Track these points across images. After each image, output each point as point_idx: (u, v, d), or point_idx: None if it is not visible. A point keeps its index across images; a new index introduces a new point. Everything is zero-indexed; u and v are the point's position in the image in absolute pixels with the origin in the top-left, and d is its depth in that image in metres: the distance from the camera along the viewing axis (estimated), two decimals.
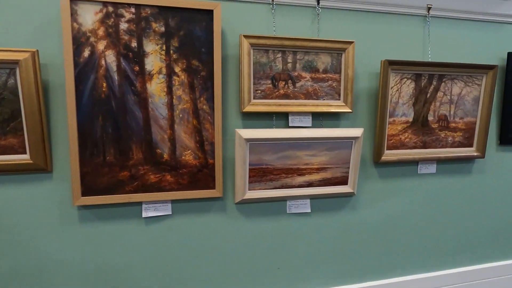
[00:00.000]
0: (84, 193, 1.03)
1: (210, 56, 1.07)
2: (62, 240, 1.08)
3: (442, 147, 1.37)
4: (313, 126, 1.23)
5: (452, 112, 1.35)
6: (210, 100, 1.09)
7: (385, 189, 1.35)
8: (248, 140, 1.10)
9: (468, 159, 1.43)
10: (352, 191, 1.25)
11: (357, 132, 1.20)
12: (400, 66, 1.23)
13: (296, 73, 1.18)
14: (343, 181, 1.25)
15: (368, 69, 1.28)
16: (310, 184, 1.22)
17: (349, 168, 1.23)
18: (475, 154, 1.40)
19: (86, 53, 0.98)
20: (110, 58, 1.00)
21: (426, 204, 1.41)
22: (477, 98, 1.37)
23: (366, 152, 1.31)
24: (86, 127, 1.01)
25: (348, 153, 1.22)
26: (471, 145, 1.40)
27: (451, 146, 1.38)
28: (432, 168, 1.39)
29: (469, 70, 1.32)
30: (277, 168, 1.17)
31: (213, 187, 1.13)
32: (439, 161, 1.39)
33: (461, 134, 1.38)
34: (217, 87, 1.09)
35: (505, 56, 1.42)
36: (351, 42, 1.18)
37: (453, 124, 1.36)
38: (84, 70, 0.99)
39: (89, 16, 0.97)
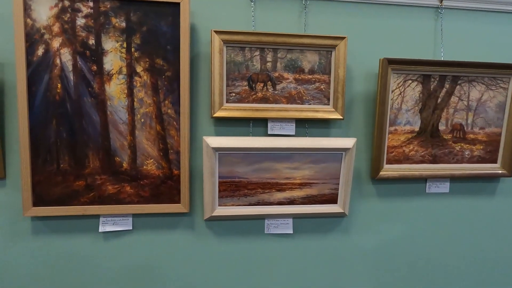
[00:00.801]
0: (36, 203, 0.97)
1: (177, 55, 0.98)
2: (12, 252, 1.03)
3: (457, 162, 1.17)
4: (297, 135, 1.09)
5: (469, 121, 1.15)
6: (176, 103, 0.99)
7: (384, 211, 1.18)
8: (216, 149, 0.98)
9: (491, 178, 1.21)
10: (342, 211, 1.09)
11: (348, 142, 1.04)
12: (403, 65, 1.07)
13: (276, 74, 1.05)
14: (332, 199, 1.09)
15: (366, 69, 1.13)
16: (291, 202, 1.07)
17: (338, 184, 1.08)
18: (500, 171, 1.18)
19: (40, 51, 0.93)
20: (66, 56, 0.94)
21: (436, 230, 1.22)
22: (503, 105, 1.16)
23: (362, 166, 1.15)
24: (39, 131, 0.95)
25: (338, 167, 1.07)
26: (494, 161, 1.19)
27: (469, 162, 1.17)
28: (445, 187, 1.19)
29: (491, 71, 1.12)
30: (252, 182, 1.04)
31: (178, 201, 1.02)
32: (453, 178, 1.19)
33: (481, 147, 1.17)
34: (184, 89, 0.99)
35: None
36: (342, 38, 1.04)
37: (471, 135, 1.16)
38: (38, 70, 0.93)
39: (44, 11, 0.92)
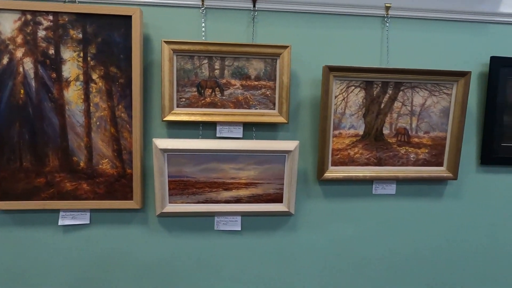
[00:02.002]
0: (1, 198, 1.08)
1: (129, 63, 1.10)
2: None
3: (402, 165, 1.24)
4: (245, 138, 1.19)
5: (414, 126, 1.22)
6: (129, 108, 1.11)
7: (331, 211, 1.27)
8: (164, 150, 1.09)
9: (438, 180, 1.28)
10: (287, 210, 1.18)
11: (290, 145, 1.13)
12: (345, 72, 1.15)
13: (224, 80, 1.15)
14: (277, 198, 1.18)
15: (313, 76, 1.22)
16: (238, 200, 1.17)
17: (283, 184, 1.16)
18: (445, 174, 1.25)
19: (5, 60, 1.06)
20: (28, 65, 1.06)
21: (383, 230, 1.31)
22: (447, 110, 1.22)
23: (308, 167, 1.25)
24: (3, 133, 1.08)
25: (282, 168, 1.16)
26: (440, 164, 1.25)
27: (415, 165, 1.24)
28: (391, 189, 1.26)
29: (434, 78, 1.19)
30: (200, 181, 1.14)
31: (131, 198, 1.14)
32: (400, 181, 1.26)
33: (427, 151, 1.24)
34: (135, 94, 1.10)
35: (488, 61, 1.25)
36: (286, 47, 1.13)
37: (416, 139, 1.23)
38: (3, 77, 1.06)
39: (8, 24, 1.05)
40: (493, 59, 1.28)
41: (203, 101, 1.18)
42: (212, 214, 1.22)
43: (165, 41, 1.12)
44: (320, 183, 1.27)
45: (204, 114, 1.17)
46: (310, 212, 1.27)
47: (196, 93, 1.18)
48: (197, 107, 1.18)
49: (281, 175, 1.19)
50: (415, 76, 1.20)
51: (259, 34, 1.22)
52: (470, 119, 1.31)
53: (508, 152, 1.33)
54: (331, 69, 1.17)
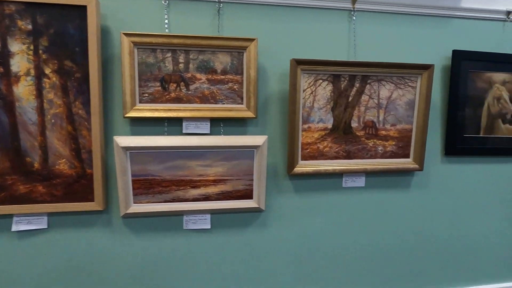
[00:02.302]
0: None
1: (86, 56, 1.03)
2: None
3: (370, 157, 1.26)
4: (213, 133, 1.16)
5: (381, 118, 1.24)
6: (87, 104, 1.05)
7: (302, 205, 1.27)
8: (126, 148, 1.04)
9: (405, 172, 1.31)
10: (257, 206, 1.17)
11: (259, 140, 1.12)
12: (312, 66, 1.15)
13: (189, 75, 1.11)
14: (247, 195, 1.17)
15: (281, 70, 1.22)
16: (207, 198, 1.14)
17: (253, 180, 1.14)
18: (412, 166, 1.28)
19: None
20: None
21: (352, 222, 1.33)
22: (412, 103, 1.25)
23: (278, 162, 1.24)
24: None
25: (250, 163, 1.14)
26: (407, 156, 1.29)
27: (383, 157, 1.27)
28: (361, 182, 1.28)
29: (399, 71, 1.21)
30: (166, 179, 1.10)
31: (92, 199, 1.08)
32: (369, 173, 1.28)
33: (394, 143, 1.26)
34: (94, 90, 1.04)
35: (450, 55, 1.29)
36: (252, 40, 1.11)
37: (383, 132, 1.25)
38: None
39: None
40: (455, 52, 1.33)
41: (167, 96, 1.14)
42: (180, 213, 1.18)
43: (124, 33, 1.07)
44: (290, 178, 1.27)
45: (169, 110, 1.13)
46: (281, 207, 1.27)
47: (159, 88, 1.13)
48: (161, 102, 1.14)
49: (250, 171, 1.18)
50: (381, 69, 1.22)
51: (225, 27, 1.19)
52: (434, 112, 1.35)
53: (470, 143, 1.39)
54: (298, 62, 1.17)
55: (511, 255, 1.49)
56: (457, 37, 1.35)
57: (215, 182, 1.16)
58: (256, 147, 1.14)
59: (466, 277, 1.46)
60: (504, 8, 1.39)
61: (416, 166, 1.31)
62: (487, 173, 1.41)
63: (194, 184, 1.15)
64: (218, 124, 1.19)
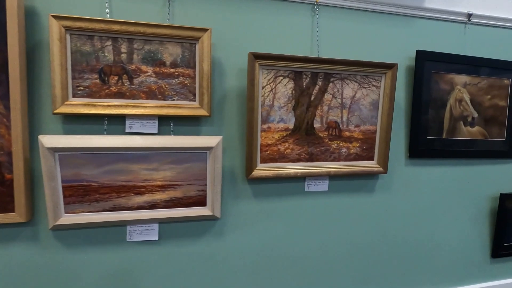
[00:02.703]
0: None
1: (4, 42, 0.87)
2: None
3: (334, 160, 1.20)
4: (162, 133, 1.04)
5: (344, 119, 1.19)
6: (6, 97, 0.90)
7: (262, 211, 1.19)
8: (54, 149, 0.90)
9: (369, 175, 1.27)
10: (211, 213, 1.06)
11: (212, 141, 1.02)
12: (271, 61, 1.07)
13: (133, 66, 0.99)
14: (200, 201, 1.06)
15: (239, 64, 1.13)
16: (154, 205, 1.03)
17: (206, 185, 1.04)
18: (376, 169, 1.24)
19: None
20: None
21: (315, 228, 1.26)
22: (376, 103, 1.21)
23: (236, 165, 1.15)
24: None
25: (203, 167, 1.04)
26: (371, 158, 1.24)
27: (346, 159, 1.22)
28: (324, 185, 1.22)
29: (363, 69, 1.17)
30: (104, 185, 0.97)
31: (13, 210, 0.92)
32: (332, 177, 1.23)
33: (358, 145, 1.22)
34: (14, 81, 0.90)
35: (414, 55, 1.27)
36: (205, 30, 1.01)
37: (347, 133, 1.20)
38: None
39: None
40: (419, 53, 1.31)
41: (107, 91, 1.01)
42: (123, 223, 1.05)
43: (53, 16, 0.93)
44: (249, 182, 1.17)
45: (109, 106, 1.00)
46: (239, 214, 1.17)
47: (98, 80, 0.99)
48: (100, 97, 1.00)
49: (203, 175, 1.07)
50: (345, 67, 1.16)
51: (176, 16, 1.08)
52: (398, 113, 1.32)
53: (433, 145, 1.38)
54: (256, 56, 1.08)
55: (474, 256, 1.51)
56: (420, 37, 1.34)
57: (163, 187, 1.05)
58: (209, 148, 1.04)
59: (431, 279, 1.44)
60: (465, 10, 1.40)
61: (380, 169, 1.27)
62: (449, 175, 1.40)
63: (138, 190, 1.03)
64: (167, 123, 1.08)
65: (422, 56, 1.31)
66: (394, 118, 1.30)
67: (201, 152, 1.04)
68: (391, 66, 1.21)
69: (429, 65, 1.32)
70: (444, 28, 1.37)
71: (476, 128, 1.43)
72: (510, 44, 1.47)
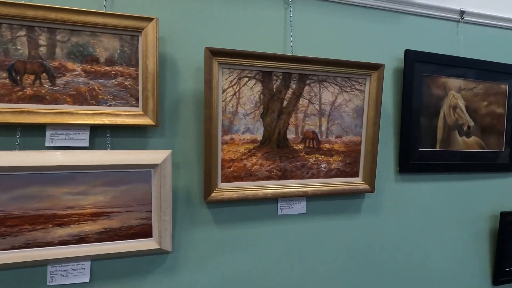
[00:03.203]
0: None
1: None
2: None
3: (312, 177, 1.03)
4: (97, 147, 0.84)
5: (324, 128, 1.02)
6: None
7: (224, 241, 0.99)
8: None
9: (354, 194, 1.10)
10: (158, 247, 0.86)
11: (157, 156, 0.82)
12: (233, 58, 0.89)
13: (56, 63, 0.80)
14: (144, 232, 0.86)
15: (197, 63, 0.93)
16: (82, 239, 0.82)
17: (151, 212, 0.85)
18: (362, 187, 1.07)
19: None
20: None
21: (291, 259, 1.06)
22: (360, 110, 1.05)
23: (194, 186, 0.95)
24: None
25: (147, 189, 0.84)
26: (355, 174, 1.07)
27: (327, 176, 1.04)
28: (300, 207, 1.04)
29: (344, 70, 1.00)
30: (13, 215, 0.76)
31: None
32: (310, 197, 1.05)
33: (339, 159, 1.05)
34: None
35: (402, 56, 1.13)
36: (150, 19, 0.83)
37: (327, 145, 1.03)
38: None
39: None
40: (408, 53, 1.14)
41: (20, 93, 0.79)
42: (42, 263, 0.81)
43: None
44: (209, 206, 0.97)
45: (23, 113, 0.78)
46: (196, 245, 0.96)
47: (7, 80, 0.78)
48: (10, 101, 0.78)
49: (147, 199, 0.86)
50: (322, 67, 0.98)
51: (117, 4, 0.90)
52: (386, 121, 1.15)
53: (425, 158, 1.20)
54: (214, 52, 0.89)
55: (473, 284, 1.32)
56: (410, 35, 1.18)
57: (94, 216, 0.83)
58: (154, 166, 0.84)
59: None
60: (458, 7, 1.27)
61: (367, 186, 1.09)
62: (444, 192, 1.23)
63: (61, 221, 0.81)
64: (104, 134, 0.89)
65: (412, 57, 1.15)
66: (381, 127, 1.14)
67: (144, 171, 0.85)
68: (376, 67, 1.04)
69: (419, 67, 1.17)
70: (435, 26, 1.22)
71: (472, 138, 1.28)
72: (506, 45, 1.34)
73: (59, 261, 0.82)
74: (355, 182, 1.08)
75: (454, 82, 1.23)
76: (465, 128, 1.26)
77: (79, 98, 0.83)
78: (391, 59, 1.16)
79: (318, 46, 1.06)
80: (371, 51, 1.13)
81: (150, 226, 0.87)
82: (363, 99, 1.06)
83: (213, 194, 0.93)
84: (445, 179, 1.24)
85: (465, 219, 1.29)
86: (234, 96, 0.94)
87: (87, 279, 0.85)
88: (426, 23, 1.21)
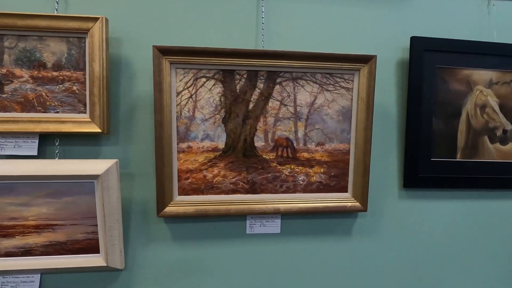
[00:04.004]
0: None
1: None
2: None
3: (287, 191, 0.88)
4: (47, 156, 0.81)
5: (300, 134, 0.87)
6: None
7: (184, 261, 0.88)
8: None
9: (342, 213, 0.91)
10: (105, 264, 0.80)
11: (99, 166, 0.76)
12: (187, 57, 0.79)
13: (4, 70, 0.78)
14: (91, 247, 0.80)
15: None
16: (28, 252, 0.79)
17: (98, 226, 0.79)
18: (349, 204, 0.88)
19: None
20: None
21: (261, 285, 0.91)
22: (348, 112, 0.88)
23: (150, 198, 0.86)
24: None
25: (93, 201, 0.78)
26: (343, 189, 0.90)
27: (306, 191, 0.88)
28: (273, 226, 0.89)
29: (323, 65, 0.84)
30: None
31: None
32: (286, 214, 0.90)
33: (322, 170, 0.88)
34: None
35: (408, 45, 0.92)
36: (95, 19, 0.77)
37: (305, 154, 0.87)
38: None
39: None
40: (415, 40, 0.94)
41: None
42: None
43: None
44: (167, 221, 0.88)
45: None
46: (153, 264, 0.87)
47: None
48: None
49: (93, 213, 0.80)
50: (296, 62, 0.83)
51: (71, 5, 0.87)
52: (389, 126, 0.94)
53: (440, 171, 0.95)
54: (163, 51, 0.79)
55: None
56: (418, 19, 0.95)
57: (39, 228, 0.80)
58: (95, 177, 0.80)
59: None
60: None
61: (357, 204, 0.90)
62: (467, 214, 0.98)
63: (5, 232, 0.78)
64: (51, 143, 0.85)
65: (419, 45, 0.92)
66: (382, 133, 0.95)
67: (87, 182, 0.80)
68: (366, 59, 0.85)
69: (430, 57, 0.94)
70: (454, 6, 0.99)
71: (510, 146, 1.02)
72: None
73: (7, 272, 0.82)
74: (342, 199, 0.91)
75: (482, 75, 0.97)
76: (498, 132, 0.99)
77: (27, 105, 0.81)
78: (395, 50, 0.95)
79: (300, 40, 0.90)
80: (368, 42, 0.93)
81: (97, 241, 0.81)
82: (351, 99, 0.89)
83: (167, 208, 0.84)
84: (469, 197, 0.98)
85: (496, 250, 1.01)
86: (190, 99, 0.84)
87: None
88: (440, 2, 0.98)
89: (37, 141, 0.82)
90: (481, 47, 0.97)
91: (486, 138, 0.99)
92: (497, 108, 0.99)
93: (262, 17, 0.89)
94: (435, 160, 0.96)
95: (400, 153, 0.96)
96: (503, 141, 1.00)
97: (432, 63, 0.95)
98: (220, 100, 0.85)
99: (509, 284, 1.02)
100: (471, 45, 0.96)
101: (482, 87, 0.97)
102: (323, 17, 0.92)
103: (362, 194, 0.90)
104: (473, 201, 0.98)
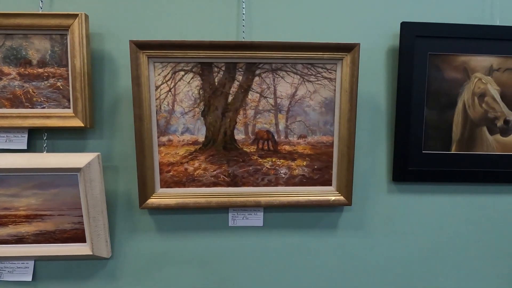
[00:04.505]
0: None
1: None
2: None
3: (269, 184, 0.87)
4: (37, 149, 0.85)
5: (281, 127, 0.85)
6: None
7: (168, 253, 0.91)
8: None
9: (327, 207, 0.89)
10: (91, 253, 0.83)
11: (81, 159, 0.79)
12: (164, 50, 0.79)
13: None
14: (78, 237, 0.84)
15: None
16: (20, 240, 0.83)
17: (82, 216, 0.82)
18: (333, 197, 0.86)
19: None
20: None
21: (244, 277, 0.91)
22: (330, 103, 0.85)
23: (134, 191, 0.87)
24: None
25: (77, 193, 0.81)
26: (327, 183, 0.87)
27: (288, 184, 0.87)
28: (256, 219, 0.89)
29: (303, 55, 0.81)
30: None
31: None
32: (268, 208, 0.89)
33: (305, 163, 0.86)
34: None
35: (397, 30, 0.87)
36: (75, 15, 0.79)
37: (287, 147, 0.86)
38: None
39: None
40: (405, 26, 0.89)
41: None
42: None
43: None
44: (151, 213, 0.90)
45: None
46: (137, 253, 0.90)
47: None
48: None
49: (78, 204, 0.83)
50: (274, 52, 0.81)
51: (55, 2, 0.89)
52: (378, 118, 0.90)
53: (433, 163, 0.90)
54: (140, 46, 0.79)
55: None
56: (409, 3, 0.89)
57: (29, 218, 0.84)
58: (78, 170, 0.83)
59: None
60: None
61: (341, 198, 0.88)
62: (463, 209, 0.93)
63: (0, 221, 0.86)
64: (39, 137, 0.88)
65: (410, 31, 0.87)
66: (370, 125, 0.91)
67: (70, 175, 0.83)
68: (349, 48, 0.81)
69: (422, 44, 0.88)
70: None
71: (511, 137, 0.95)
72: None
73: (3, 259, 0.87)
74: (325, 192, 0.89)
75: (481, 61, 0.90)
76: (499, 123, 0.92)
77: (15, 102, 0.85)
78: (384, 37, 0.90)
79: (283, 31, 0.87)
80: (355, 30, 0.89)
81: (83, 231, 0.85)
82: (334, 90, 0.86)
83: (149, 200, 0.86)
84: (465, 192, 0.93)
85: (495, 249, 0.95)
86: (169, 92, 0.84)
87: (29, 278, 0.88)
88: None
89: (26, 135, 0.86)
90: (480, 31, 0.89)
91: (484, 129, 0.92)
92: (498, 97, 0.92)
93: (243, 7, 0.88)
94: (426, 153, 0.91)
95: (390, 145, 0.92)
96: (505, 132, 0.93)
97: (424, 50, 0.88)
98: (199, 93, 0.85)
99: (504, 281, 0.97)
100: (468, 29, 0.89)
101: (481, 74, 0.91)
102: (308, 5, 0.88)
103: (346, 188, 0.87)
104: (467, 195, 0.92)
